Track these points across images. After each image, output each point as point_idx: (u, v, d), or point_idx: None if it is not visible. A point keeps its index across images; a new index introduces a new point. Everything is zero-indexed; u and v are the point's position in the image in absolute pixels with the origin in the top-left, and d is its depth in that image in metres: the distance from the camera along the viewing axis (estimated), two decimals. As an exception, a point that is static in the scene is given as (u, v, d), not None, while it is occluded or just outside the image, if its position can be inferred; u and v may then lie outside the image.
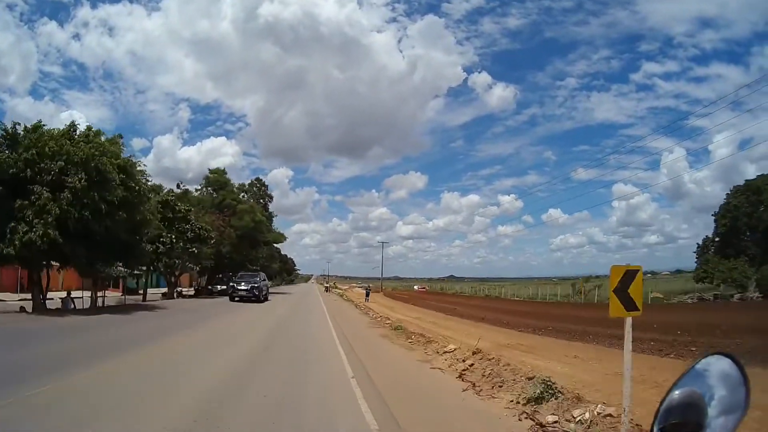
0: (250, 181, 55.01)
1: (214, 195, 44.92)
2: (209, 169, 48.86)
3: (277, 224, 63.44)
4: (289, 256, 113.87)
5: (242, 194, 50.33)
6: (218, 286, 38.47)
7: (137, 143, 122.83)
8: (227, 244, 38.68)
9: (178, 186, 40.02)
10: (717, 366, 1.20)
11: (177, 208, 29.82)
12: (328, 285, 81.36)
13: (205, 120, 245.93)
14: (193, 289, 42.83)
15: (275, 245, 68.83)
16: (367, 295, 44.30)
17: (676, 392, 1.18)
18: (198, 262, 34.76)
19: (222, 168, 49.32)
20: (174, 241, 27.91)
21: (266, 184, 57.05)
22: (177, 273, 34.41)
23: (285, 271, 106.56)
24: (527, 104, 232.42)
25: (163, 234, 26.76)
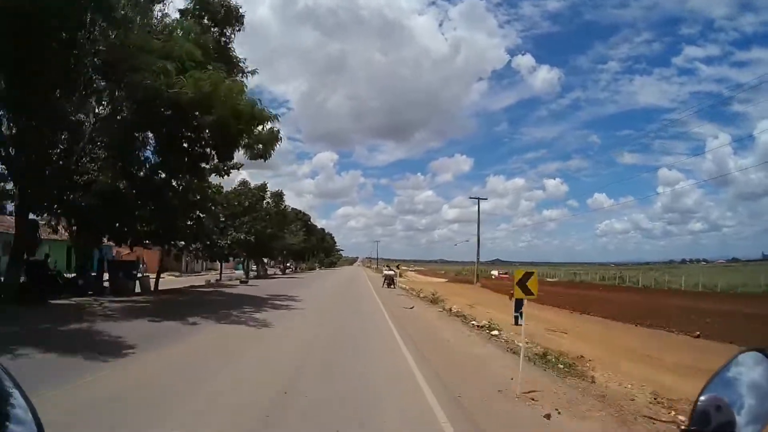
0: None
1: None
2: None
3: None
4: (327, 232, 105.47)
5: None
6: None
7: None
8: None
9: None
10: (747, 364, 1.15)
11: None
12: (390, 271, 37.70)
13: None
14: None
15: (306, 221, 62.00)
16: (390, 283, 32.72)
17: (703, 398, 1.12)
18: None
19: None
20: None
21: None
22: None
23: (321, 250, 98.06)
24: (570, 88, 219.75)
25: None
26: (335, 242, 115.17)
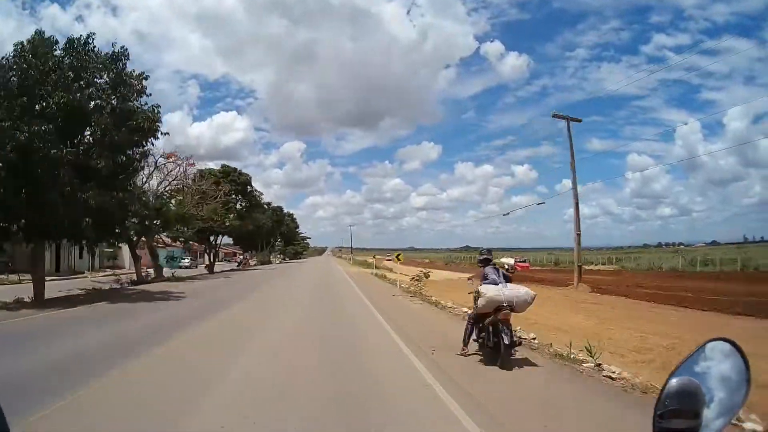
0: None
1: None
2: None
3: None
4: (290, 213, 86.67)
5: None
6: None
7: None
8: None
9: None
10: (717, 352, 1.20)
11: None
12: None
13: (214, 96, 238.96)
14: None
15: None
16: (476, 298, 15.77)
17: (674, 380, 1.18)
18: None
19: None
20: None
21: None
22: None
23: (282, 237, 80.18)
24: (538, 75, 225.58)
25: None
26: (297, 225, 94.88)
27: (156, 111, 15.93)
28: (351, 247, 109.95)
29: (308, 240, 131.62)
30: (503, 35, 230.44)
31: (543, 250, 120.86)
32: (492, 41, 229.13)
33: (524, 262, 63.90)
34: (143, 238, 27.80)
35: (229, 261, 72.04)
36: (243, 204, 44.73)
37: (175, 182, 28.74)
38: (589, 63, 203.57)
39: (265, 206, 77.45)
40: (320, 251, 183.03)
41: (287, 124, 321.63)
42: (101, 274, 33.88)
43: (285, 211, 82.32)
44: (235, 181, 42.37)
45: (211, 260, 42.95)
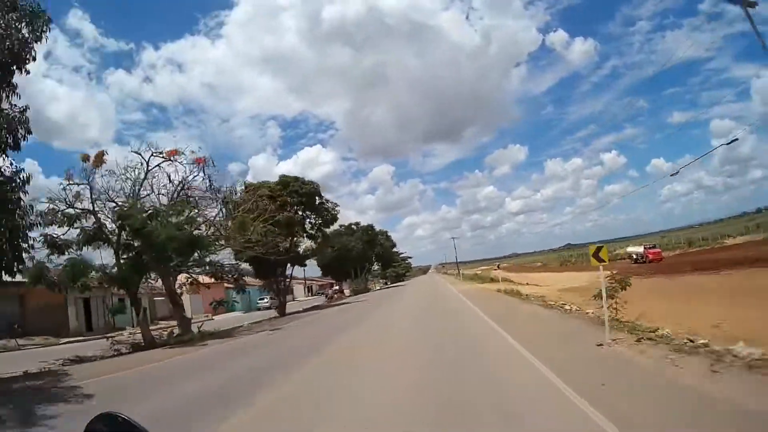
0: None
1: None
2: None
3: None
4: (384, 231, 75.30)
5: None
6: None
7: (234, 167, 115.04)
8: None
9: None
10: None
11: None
12: None
13: (295, 134, 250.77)
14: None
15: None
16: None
17: None
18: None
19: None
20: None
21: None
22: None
23: (378, 259, 69.76)
24: (607, 56, 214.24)
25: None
26: (394, 244, 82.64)
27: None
28: (456, 261, 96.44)
29: (410, 259, 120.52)
30: (564, 23, 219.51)
31: (642, 237, 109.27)
32: (555, 31, 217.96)
33: (653, 248, 48.56)
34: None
35: (322, 294, 63.70)
36: (315, 221, 34.76)
37: (183, 192, 19.31)
38: (653, 34, 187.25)
39: (353, 227, 68.56)
40: (424, 270, 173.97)
41: (372, 150, 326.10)
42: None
43: (377, 229, 72.11)
44: (297, 192, 32.62)
45: (281, 298, 33.40)
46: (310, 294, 68.68)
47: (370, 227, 68.01)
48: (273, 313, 33.75)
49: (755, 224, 48.95)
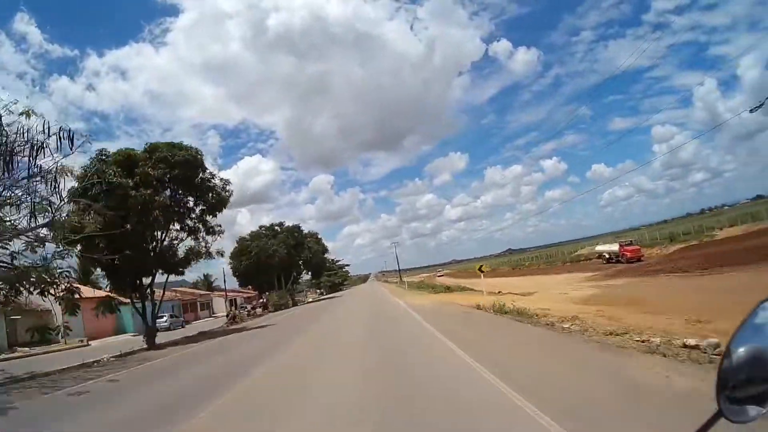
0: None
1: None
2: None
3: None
4: (314, 233, 62.40)
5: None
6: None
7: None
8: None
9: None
10: None
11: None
12: None
13: (236, 143, 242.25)
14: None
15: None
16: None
17: (742, 348, 1.12)
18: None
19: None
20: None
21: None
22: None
23: (307, 266, 58.46)
24: (549, 65, 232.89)
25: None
26: (326, 249, 67.69)
27: None
28: (398, 269, 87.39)
29: (347, 267, 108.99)
30: (508, 32, 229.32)
31: (583, 240, 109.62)
32: (499, 40, 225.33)
33: (630, 245, 41.66)
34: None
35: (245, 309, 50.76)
36: (196, 205, 23.06)
37: None
38: (596, 44, 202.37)
39: (276, 228, 56.33)
40: (363, 279, 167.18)
41: (312, 159, 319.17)
42: None
43: (305, 231, 60.30)
44: (166, 162, 20.99)
45: (148, 321, 21.54)
46: (233, 308, 54.79)
47: (297, 228, 56.37)
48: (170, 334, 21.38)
49: (747, 214, 44.26)
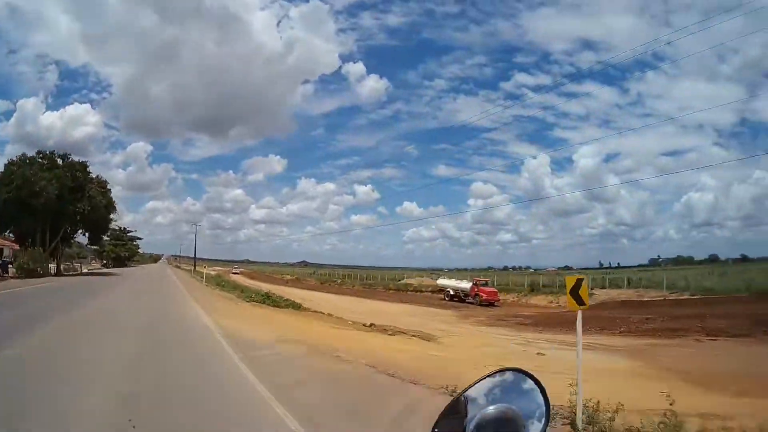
0: None
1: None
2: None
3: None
4: (102, 180, 44.90)
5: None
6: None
7: (1, 105, 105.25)
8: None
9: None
10: (513, 380, 1.25)
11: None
12: None
13: (72, 87, 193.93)
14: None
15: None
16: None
17: (491, 408, 1.17)
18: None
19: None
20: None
21: None
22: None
23: (84, 221, 42.70)
24: (395, 99, 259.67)
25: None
26: (114, 208, 49.81)
27: None
28: (194, 256, 77.29)
29: (138, 241, 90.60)
30: (368, 58, 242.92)
31: (382, 269, 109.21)
32: (356, 62, 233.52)
33: (486, 285, 37.13)
34: None
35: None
36: None
37: None
38: (446, 94, 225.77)
39: (55, 157, 40.92)
40: (155, 259, 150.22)
41: (137, 124, 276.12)
42: None
43: (94, 176, 45.44)
44: None
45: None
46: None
47: (82, 166, 41.78)
48: None
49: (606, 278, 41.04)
